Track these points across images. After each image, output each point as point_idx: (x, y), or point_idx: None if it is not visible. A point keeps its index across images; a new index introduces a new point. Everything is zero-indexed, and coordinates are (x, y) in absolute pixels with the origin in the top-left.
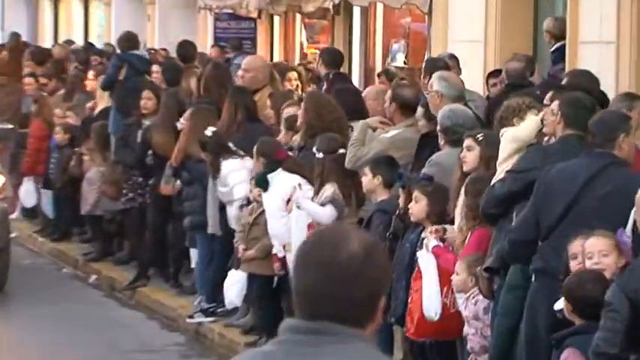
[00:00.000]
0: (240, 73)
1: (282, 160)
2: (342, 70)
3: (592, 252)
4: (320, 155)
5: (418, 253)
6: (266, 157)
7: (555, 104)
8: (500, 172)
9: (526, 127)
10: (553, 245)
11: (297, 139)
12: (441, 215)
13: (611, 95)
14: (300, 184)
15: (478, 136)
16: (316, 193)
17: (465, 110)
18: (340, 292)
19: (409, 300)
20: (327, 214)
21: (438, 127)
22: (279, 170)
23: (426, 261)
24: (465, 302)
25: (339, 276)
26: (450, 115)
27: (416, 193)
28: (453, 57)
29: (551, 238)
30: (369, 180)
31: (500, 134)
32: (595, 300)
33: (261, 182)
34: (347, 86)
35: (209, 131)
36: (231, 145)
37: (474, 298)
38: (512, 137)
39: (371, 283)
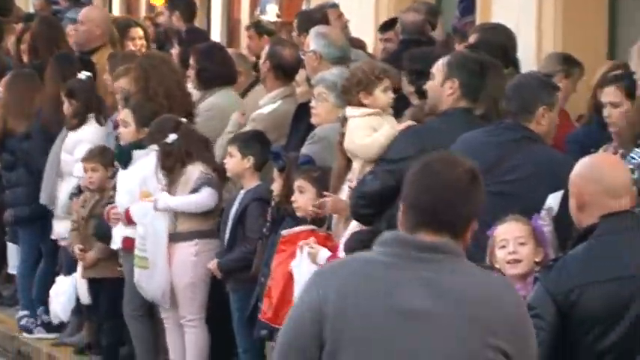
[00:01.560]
0: (71, 26)
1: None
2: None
3: (507, 239)
4: (173, 137)
5: (293, 264)
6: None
7: (440, 67)
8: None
9: (378, 144)
10: None
11: None
12: None
13: (530, 55)
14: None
15: None
16: (169, 184)
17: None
18: (450, 204)
19: (269, 278)
20: (204, 196)
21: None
22: (151, 149)
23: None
24: None
25: (453, 189)
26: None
27: (299, 182)
28: (335, 6)
29: None
30: (236, 162)
31: (343, 114)
32: None
33: (122, 157)
34: (213, 44)
35: (83, 75)
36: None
37: None
38: (360, 146)
39: (474, 202)
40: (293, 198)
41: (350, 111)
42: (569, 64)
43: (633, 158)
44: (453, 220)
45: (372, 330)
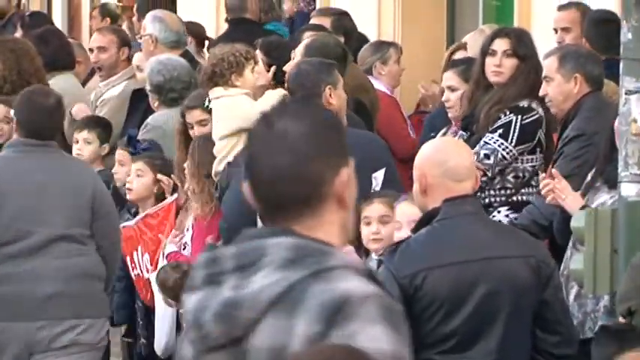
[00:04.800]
0: None
1: None
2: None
3: (370, 217)
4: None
5: (151, 275)
6: None
7: (302, 51)
8: (223, 149)
9: (264, 108)
10: None
11: None
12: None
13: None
14: None
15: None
16: None
17: (178, 60)
18: (47, 118)
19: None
20: None
21: (147, 87)
22: None
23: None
24: None
25: (47, 114)
26: (161, 69)
27: (139, 165)
28: None
29: None
30: (92, 149)
31: (214, 95)
32: None
33: None
34: (49, 29)
35: None
36: None
37: None
38: (246, 117)
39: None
40: (128, 180)
41: (220, 91)
42: (381, 49)
43: (487, 144)
44: (50, 132)
45: (15, 197)
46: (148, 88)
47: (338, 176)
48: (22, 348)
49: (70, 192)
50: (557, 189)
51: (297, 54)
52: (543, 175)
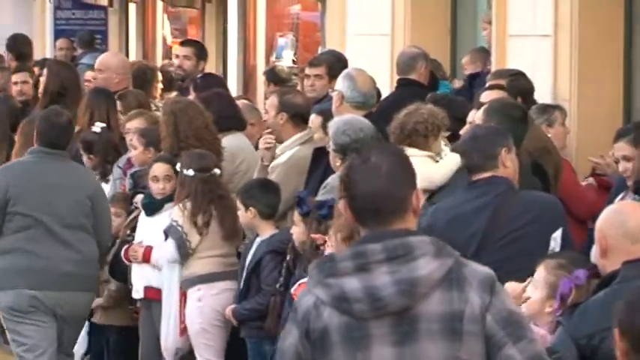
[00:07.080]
0: (89, 73)
1: None
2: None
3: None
4: (190, 173)
5: None
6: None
7: (480, 115)
8: None
9: (444, 170)
10: None
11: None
12: None
13: (546, 100)
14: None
15: None
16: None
17: (363, 121)
18: (60, 132)
19: None
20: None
21: (332, 147)
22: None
23: None
24: None
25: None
26: (347, 129)
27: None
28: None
29: None
30: (242, 214)
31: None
32: None
33: (152, 206)
34: (214, 92)
35: (98, 127)
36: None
37: None
38: (426, 178)
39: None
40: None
41: (412, 152)
42: (546, 112)
43: None
44: (63, 143)
45: (34, 195)
46: (332, 147)
47: (414, 194)
48: (49, 312)
49: (76, 191)
50: None
51: (477, 118)
52: None
